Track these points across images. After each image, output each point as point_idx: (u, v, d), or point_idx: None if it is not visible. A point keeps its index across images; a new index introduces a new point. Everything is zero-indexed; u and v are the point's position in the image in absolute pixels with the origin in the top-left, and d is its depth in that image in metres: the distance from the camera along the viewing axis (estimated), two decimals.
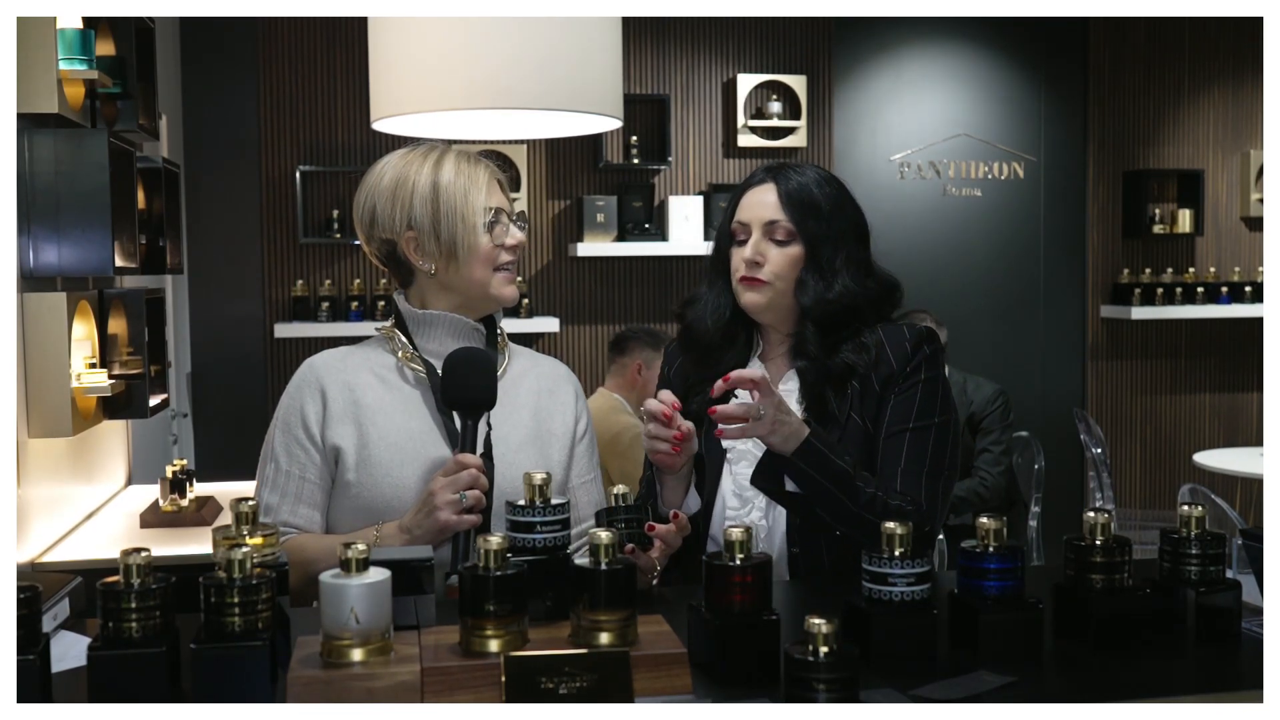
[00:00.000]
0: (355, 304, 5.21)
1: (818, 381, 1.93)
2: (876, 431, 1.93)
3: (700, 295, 2.05)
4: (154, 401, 3.20)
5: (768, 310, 1.97)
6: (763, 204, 1.96)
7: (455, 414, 1.86)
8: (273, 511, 1.90)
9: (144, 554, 1.32)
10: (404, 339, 1.96)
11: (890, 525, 1.45)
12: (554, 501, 1.56)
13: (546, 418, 2.00)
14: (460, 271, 1.92)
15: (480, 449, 1.84)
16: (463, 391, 1.83)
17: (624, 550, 1.64)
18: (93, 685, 1.30)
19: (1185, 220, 6.19)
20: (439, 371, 1.88)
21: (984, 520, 1.49)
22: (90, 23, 2.95)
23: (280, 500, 1.90)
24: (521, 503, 1.57)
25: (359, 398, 1.91)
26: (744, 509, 1.96)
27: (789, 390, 1.98)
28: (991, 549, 1.48)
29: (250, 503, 1.50)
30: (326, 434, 1.89)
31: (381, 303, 5.20)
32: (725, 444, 1.98)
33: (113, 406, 3.06)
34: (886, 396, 1.93)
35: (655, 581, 1.81)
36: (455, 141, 2.11)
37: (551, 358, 2.12)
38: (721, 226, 2.04)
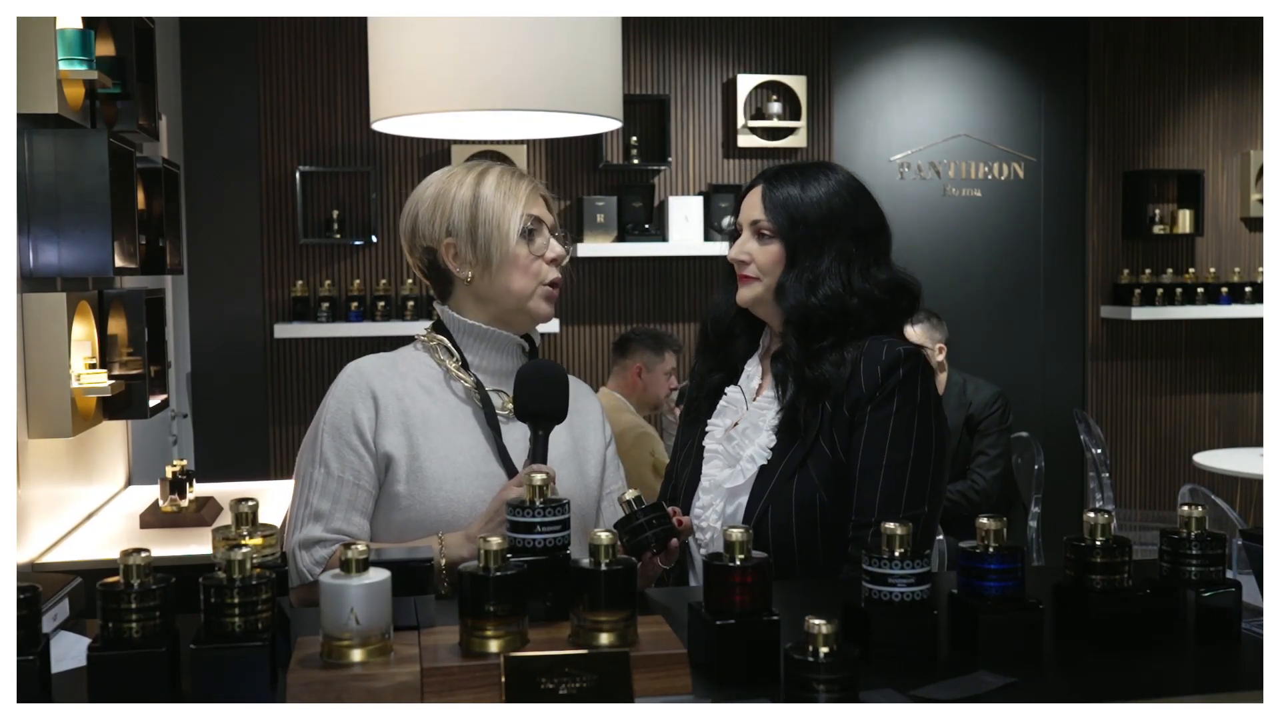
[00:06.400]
0: (355, 304, 5.21)
1: (794, 391, 1.93)
2: (848, 459, 1.89)
3: (719, 293, 2.13)
4: (154, 402, 3.20)
5: (759, 305, 2.01)
6: (751, 204, 2.03)
7: (527, 425, 1.86)
8: (324, 519, 1.84)
9: (144, 554, 1.32)
10: (452, 349, 1.95)
11: (890, 525, 1.45)
12: (554, 501, 1.56)
13: (581, 435, 2.02)
14: (495, 281, 1.92)
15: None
16: (538, 403, 1.84)
17: (643, 557, 1.67)
18: (93, 685, 1.29)
19: (1185, 221, 6.19)
20: (486, 387, 1.91)
21: (984, 521, 1.49)
22: (90, 23, 2.95)
23: (333, 507, 1.84)
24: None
25: (407, 407, 1.89)
26: (711, 504, 1.98)
27: (767, 399, 1.99)
28: (991, 549, 1.48)
29: (250, 503, 1.49)
30: (379, 440, 1.86)
31: (381, 303, 5.20)
32: (706, 443, 2.03)
33: (113, 407, 3.06)
34: (856, 421, 1.89)
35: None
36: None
37: (573, 376, 2.10)
38: (731, 228, 2.11)
